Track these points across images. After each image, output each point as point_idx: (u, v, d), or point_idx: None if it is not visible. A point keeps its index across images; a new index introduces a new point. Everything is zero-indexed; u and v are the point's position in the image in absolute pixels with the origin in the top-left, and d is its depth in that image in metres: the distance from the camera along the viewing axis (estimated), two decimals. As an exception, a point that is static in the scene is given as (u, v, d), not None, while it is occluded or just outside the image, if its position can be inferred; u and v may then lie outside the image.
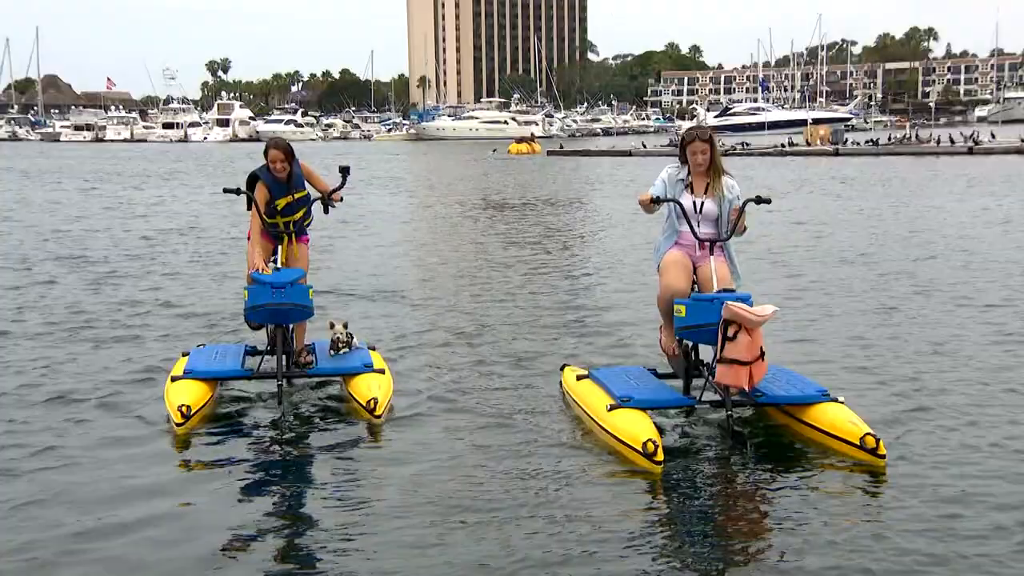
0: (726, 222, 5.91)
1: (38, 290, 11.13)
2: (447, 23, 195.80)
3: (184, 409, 5.85)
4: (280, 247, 6.62)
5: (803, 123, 66.52)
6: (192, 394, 6.08)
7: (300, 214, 6.67)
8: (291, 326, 6.47)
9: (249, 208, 6.62)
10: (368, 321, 9.28)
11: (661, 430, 5.75)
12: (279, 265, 6.50)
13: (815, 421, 5.64)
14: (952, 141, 48.59)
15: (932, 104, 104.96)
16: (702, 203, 5.92)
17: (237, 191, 6.68)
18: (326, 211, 6.88)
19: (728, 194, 5.91)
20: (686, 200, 5.95)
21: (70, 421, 6.15)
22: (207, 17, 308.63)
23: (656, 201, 5.97)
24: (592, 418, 5.83)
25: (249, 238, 6.61)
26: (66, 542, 4.40)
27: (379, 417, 5.95)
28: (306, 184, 6.71)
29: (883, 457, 5.20)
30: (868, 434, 5.27)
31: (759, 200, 5.98)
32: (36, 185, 33.22)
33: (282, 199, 6.57)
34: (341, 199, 6.86)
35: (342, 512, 4.75)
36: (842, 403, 5.70)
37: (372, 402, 5.99)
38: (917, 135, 52.93)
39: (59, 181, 35.46)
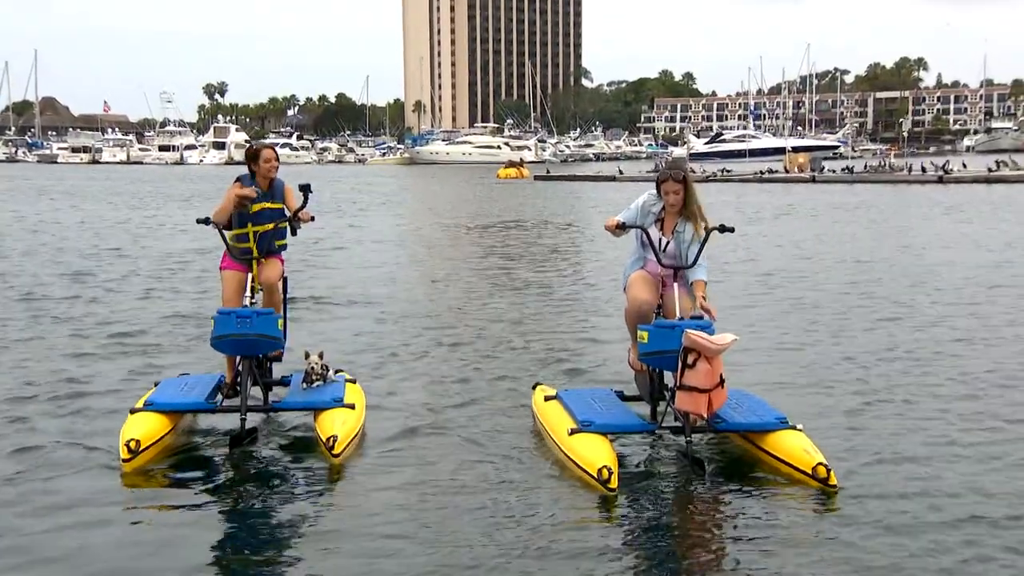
0: (685, 255, 6.01)
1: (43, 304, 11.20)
2: (443, 48, 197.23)
3: (132, 444, 5.61)
4: (251, 274, 6.46)
5: (803, 149, 67.30)
6: (146, 428, 5.84)
7: (271, 227, 6.51)
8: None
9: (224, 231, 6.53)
10: (351, 337, 9.47)
11: (623, 454, 5.88)
12: (251, 296, 6.37)
13: (772, 448, 5.74)
14: (923, 170, 49.83)
15: (904, 134, 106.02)
16: (667, 243, 6.03)
17: (207, 221, 6.57)
18: (294, 232, 6.71)
19: (688, 237, 5.98)
20: (653, 232, 6.07)
21: (20, 448, 6.06)
22: (204, 41, 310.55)
23: (622, 227, 6.10)
24: (554, 441, 5.93)
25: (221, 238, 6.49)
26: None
27: (337, 456, 5.73)
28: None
29: (834, 487, 5.29)
30: (820, 464, 5.36)
31: (722, 229, 6.10)
32: (48, 204, 33.31)
33: (257, 204, 6.45)
34: (312, 218, 6.65)
35: (297, 552, 4.67)
36: (800, 431, 5.79)
37: (331, 440, 5.77)
38: (890, 164, 54.27)
39: (75, 204, 35.48)
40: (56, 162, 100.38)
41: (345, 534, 4.84)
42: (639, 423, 6.04)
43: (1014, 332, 9.82)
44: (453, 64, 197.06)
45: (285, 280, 6.70)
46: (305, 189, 6.51)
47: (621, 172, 55.44)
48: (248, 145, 6.96)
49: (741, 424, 5.90)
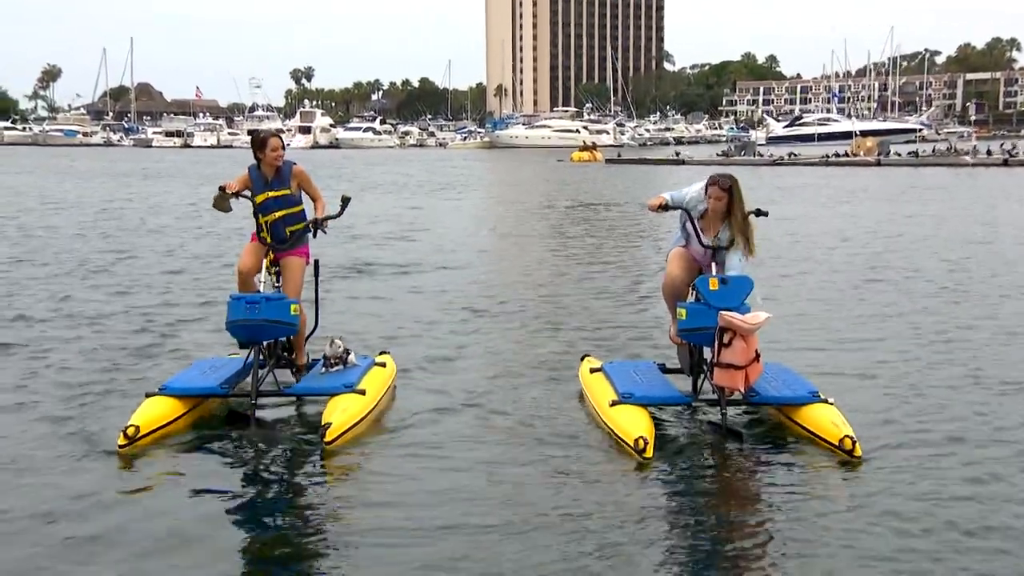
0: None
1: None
2: (524, 32, 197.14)
3: (130, 431, 5.63)
4: (265, 260, 6.44)
5: (873, 133, 66.06)
6: (152, 413, 5.87)
7: (279, 215, 6.44)
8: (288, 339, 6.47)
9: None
10: (409, 309, 10.17)
11: (663, 423, 6.22)
12: (276, 280, 6.41)
13: (803, 421, 6.01)
14: (989, 153, 49.72)
15: (971, 117, 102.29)
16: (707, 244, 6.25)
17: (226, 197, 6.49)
18: (314, 235, 6.62)
19: (725, 241, 6.20)
20: (697, 222, 6.30)
21: (32, 429, 6.10)
22: (292, 26, 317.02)
23: (665, 207, 6.39)
24: (596, 411, 6.30)
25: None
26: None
27: (329, 443, 5.66)
28: (302, 196, 6.60)
29: (859, 458, 5.54)
30: (847, 436, 5.61)
31: (758, 212, 6.36)
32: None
33: (260, 194, 6.41)
34: (327, 226, 6.60)
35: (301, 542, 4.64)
36: (832, 404, 6.03)
37: (325, 427, 5.72)
38: (955, 148, 53.85)
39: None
40: (151, 146, 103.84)
41: (347, 510, 4.93)
42: (677, 395, 6.36)
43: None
44: (535, 48, 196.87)
45: (317, 263, 6.76)
46: (345, 202, 6.59)
47: (678, 155, 56.54)
48: (255, 132, 6.77)
49: (775, 397, 6.18)
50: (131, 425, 5.70)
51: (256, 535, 4.71)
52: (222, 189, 6.44)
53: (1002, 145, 52.40)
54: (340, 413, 5.90)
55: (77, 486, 5.17)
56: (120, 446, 5.62)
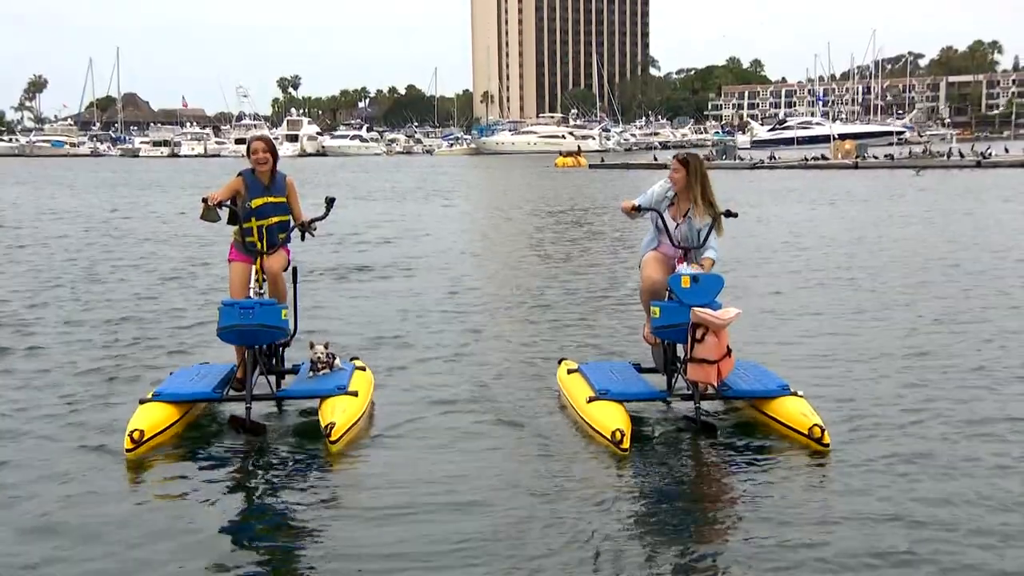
0: (696, 238, 6.53)
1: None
2: (511, 39, 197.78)
3: (136, 435, 5.75)
4: (254, 267, 6.55)
5: (853, 136, 67.04)
6: (152, 418, 5.99)
7: (275, 220, 6.61)
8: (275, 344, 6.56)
9: (230, 222, 6.65)
10: (387, 313, 10.31)
11: (640, 419, 6.40)
12: (259, 287, 6.48)
13: (773, 412, 6.23)
14: (962, 156, 52.11)
15: (948, 120, 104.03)
16: (676, 225, 6.54)
17: (218, 208, 6.52)
18: (302, 238, 6.83)
19: (698, 223, 6.48)
20: (667, 216, 6.57)
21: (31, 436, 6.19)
22: (279, 35, 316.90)
23: (637, 209, 6.63)
24: (574, 408, 6.49)
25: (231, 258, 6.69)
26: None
27: (334, 442, 5.82)
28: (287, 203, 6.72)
29: (827, 446, 5.76)
30: (816, 425, 5.84)
31: (727, 214, 6.60)
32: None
33: (258, 199, 6.55)
34: (315, 228, 6.81)
35: (302, 538, 4.74)
36: (801, 397, 6.26)
37: (329, 427, 5.86)
38: (929, 150, 55.96)
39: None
40: (138, 155, 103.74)
41: (352, 508, 5.05)
42: (652, 391, 6.56)
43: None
44: (521, 54, 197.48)
45: (295, 269, 6.81)
46: (329, 203, 6.81)
47: (656, 159, 58.00)
48: (247, 140, 6.94)
49: (746, 391, 6.40)
50: (136, 429, 5.81)
51: (265, 535, 4.80)
52: (205, 201, 6.50)
53: (973, 147, 54.75)
54: (340, 414, 6.04)
55: (87, 491, 5.26)
56: (127, 450, 5.74)
